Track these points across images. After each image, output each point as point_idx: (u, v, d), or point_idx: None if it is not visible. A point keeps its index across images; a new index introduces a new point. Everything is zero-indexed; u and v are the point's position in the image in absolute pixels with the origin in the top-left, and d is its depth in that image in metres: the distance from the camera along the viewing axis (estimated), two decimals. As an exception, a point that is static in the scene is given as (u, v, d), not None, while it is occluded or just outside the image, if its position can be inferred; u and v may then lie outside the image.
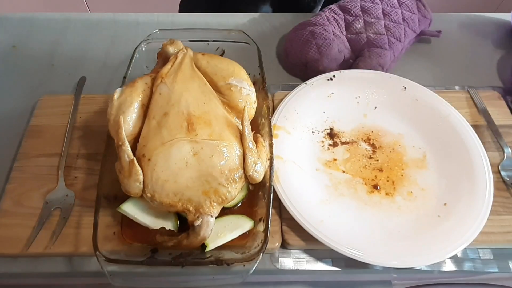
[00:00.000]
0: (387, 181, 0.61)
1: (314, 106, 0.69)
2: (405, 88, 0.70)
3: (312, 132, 0.67)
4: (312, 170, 0.62)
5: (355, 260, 0.53)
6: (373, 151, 0.64)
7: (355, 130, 0.67)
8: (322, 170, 0.62)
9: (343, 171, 0.62)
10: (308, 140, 0.66)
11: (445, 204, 0.57)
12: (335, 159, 0.64)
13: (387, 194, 0.60)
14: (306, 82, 0.70)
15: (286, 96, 0.68)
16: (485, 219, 0.54)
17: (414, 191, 0.60)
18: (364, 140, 0.66)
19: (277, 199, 0.59)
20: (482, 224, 0.54)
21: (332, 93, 0.70)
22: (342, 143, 0.65)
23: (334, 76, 0.71)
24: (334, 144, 0.65)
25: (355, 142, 0.66)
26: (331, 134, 0.67)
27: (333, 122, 0.68)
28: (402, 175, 0.61)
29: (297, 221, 0.54)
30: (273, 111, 0.69)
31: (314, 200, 0.58)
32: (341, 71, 0.71)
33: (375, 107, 0.70)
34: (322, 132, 0.67)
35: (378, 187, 0.60)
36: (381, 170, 0.62)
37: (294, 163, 0.61)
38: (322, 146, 0.65)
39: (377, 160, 0.63)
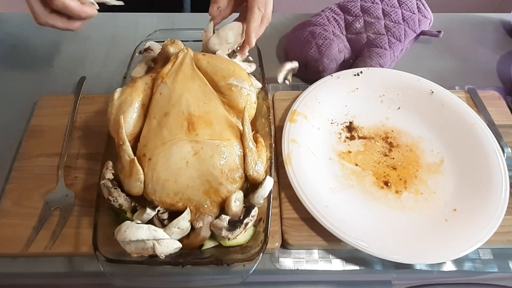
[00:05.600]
0: (400, 179, 0.61)
1: (337, 99, 0.70)
2: (432, 92, 0.70)
3: (331, 123, 0.68)
4: (325, 159, 0.63)
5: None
6: (390, 149, 0.65)
7: (374, 127, 0.68)
8: (335, 160, 0.63)
9: (356, 164, 0.63)
10: (325, 130, 0.67)
11: (454, 209, 0.57)
12: (349, 152, 0.64)
13: (397, 191, 0.60)
14: (332, 74, 0.71)
15: (310, 86, 0.70)
16: (493, 231, 0.53)
17: (424, 192, 0.60)
18: (382, 138, 0.66)
19: (277, 199, 0.59)
20: (489, 235, 0.53)
21: (357, 88, 0.70)
22: (360, 138, 0.66)
23: (361, 72, 0.71)
24: (351, 138, 0.66)
25: (373, 138, 0.66)
26: (350, 128, 0.67)
27: (353, 117, 0.69)
28: (415, 176, 0.62)
29: (301, 202, 0.55)
30: (273, 111, 0.69)
31: (323, 186, 0.59)
32: (369, 68, 0.72)
33: (399, 108, 0.70)
34: (341, 124, 0.68)
35: (389, 184, 0.61)
36: (394, 168, 0.62)
37: (309, 149, 0.62)
38: (339, 138, 0.66)
39: (393, 158, 0.64)
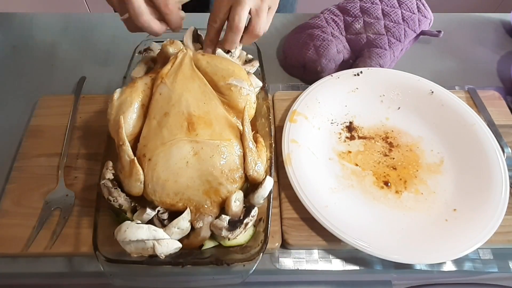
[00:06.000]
0: (400, 179, 0.61)
1: (337, 99, 0.70)
2: (432, 92, 0.70)
3: (331, 123, 0.68)
4: (325, 159, 0.63)
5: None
6: (390, 149, 0.65)
7: (374, 127, 0.68)
8: (336, 160, 0.63)
9: (356, 164, 0.63)
10: (325, 130, 0.67)
11: (454, 209, 0.57)
12: (349, 152, 0.64)
13: (397, 191, 0.60)
14: (332, 74, 0.71)
15: (310, 86, 0.70)
16: (493, 231, 0.53)
17: (424, 192, 0.60)
18: (382, 138, 0.66)
19: (277, 199, 0.59)
20: (489, 235, 0.53)
21: (357, 88, 0.71)
22: (360, 138, 0.66)
23: (361, 72, 0.71)
24: (351, 138, 0.66)
25: (373, 138, 0.66)
26: (350, 128, 0.67)
27: (353, 117, 0.69)
28: (415, 176, 0.62)
29: (301, 202, 0.55)
30: (273, 111, 0.69)
31: (323, 187, 0.59)
32: (369, 68, 0.72)
33: (399, 108, 0.70)
34: (341, 124, 0.68)
35: (389, 184, 0.61)
36: (394, 168, 0.63)
37: (309, 149, 0.62)
38: (339, 138, 0.66)
39: (393, 158, 0.64)
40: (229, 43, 0.58)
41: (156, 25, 0.56)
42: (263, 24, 0.57)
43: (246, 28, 0.57)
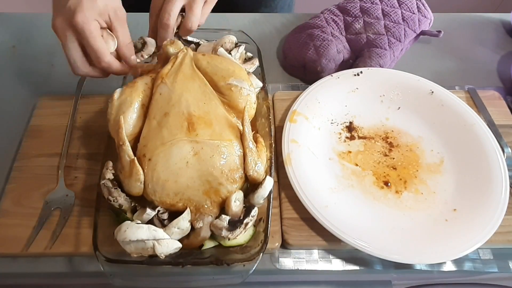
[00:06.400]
0: (400, 179, 0.61)
1: (337, 99, 0.70)
2: (432, 92, 0.70)
3: (331, 123, 0.68)
4: (325, 159, 0.63)
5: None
6: (390, 149, 0.65)
7: (374, 127, 0.68)
8: (336, 160, 0.63)
9: (356, 164, 0.63)
10: (325, 130, 0.67)
11: (454, 209, 0.57)
12: (349, 152, 0.64)
13: (396, 191, 0.60)
14: (332, 74, 0.71)
15: (310, 86, 0.70)
16: (493, 231, 0.53)
17: (424, 192, 0.60)
18: (382, 138, 0.66)
19: (277, 199, 0.59)
20: (489, 235, 0.53)
21: (357, 88, 0.70)
22: (360, 138, 0.66)
23: (361, 72, 0.71)
24: (351, 138, 0.66)
25: (373, 138, 0.66)
26: (350, 128, 0.67)
27: (353, 117, 0.69)
28: (415, 176, 0.62)
29: (301, 202, 0.55)
30: (273, 111, 0.69)
31: (323, 187, 0.59)
32: (369, 68, 0.72)
33: (399, 108, 0.70)
34: (341, 124, 0.68)
35: (389, 184, 0.61)
36: (394, 168, 0.63)
37: (309, 149, 0.62)
38: (339, 138, 0.66)
39: (393, 158, 0.64)
40: (160, 39, 0.59)
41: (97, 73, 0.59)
42: (196, 18, 0.57)
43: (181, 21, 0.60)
